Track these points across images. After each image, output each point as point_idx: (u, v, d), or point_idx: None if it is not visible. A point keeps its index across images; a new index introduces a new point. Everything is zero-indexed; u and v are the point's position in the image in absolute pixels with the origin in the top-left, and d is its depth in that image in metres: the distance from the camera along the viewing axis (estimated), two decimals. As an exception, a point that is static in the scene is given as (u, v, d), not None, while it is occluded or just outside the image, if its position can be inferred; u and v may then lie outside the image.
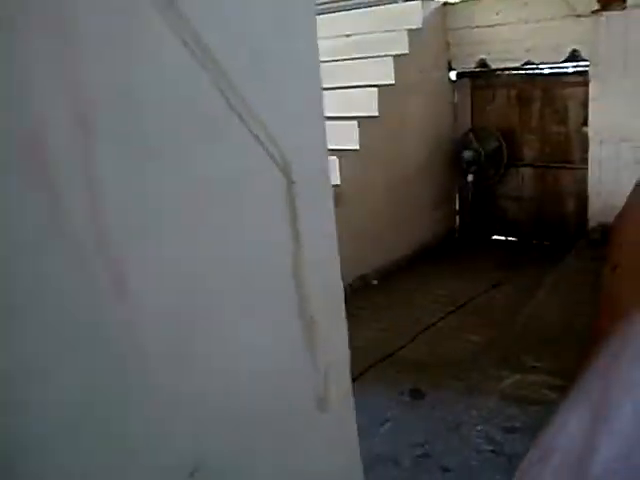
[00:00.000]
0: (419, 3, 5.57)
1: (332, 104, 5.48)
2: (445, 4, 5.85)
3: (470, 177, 5.98)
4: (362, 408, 3.47)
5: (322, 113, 0.98)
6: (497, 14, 5.55)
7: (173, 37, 0.69)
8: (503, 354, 3.85)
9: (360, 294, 5.07)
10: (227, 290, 0.81)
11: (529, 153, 5.85)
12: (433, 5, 5.75)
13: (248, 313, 0.84)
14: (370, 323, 4.57)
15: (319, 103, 0.96)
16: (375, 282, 5.31)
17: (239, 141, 0.78)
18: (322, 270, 1.00)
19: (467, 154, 5.86)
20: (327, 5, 6.28)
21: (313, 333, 0.92)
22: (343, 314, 1.08)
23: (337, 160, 5.05)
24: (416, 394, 3.54)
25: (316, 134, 0.95)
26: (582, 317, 4.11)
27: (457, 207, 6.27)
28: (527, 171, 5.88)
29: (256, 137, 0.80)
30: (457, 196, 6.25)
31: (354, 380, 3.54)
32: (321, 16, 6.23)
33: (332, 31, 6.00)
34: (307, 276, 0.92)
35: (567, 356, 3.71)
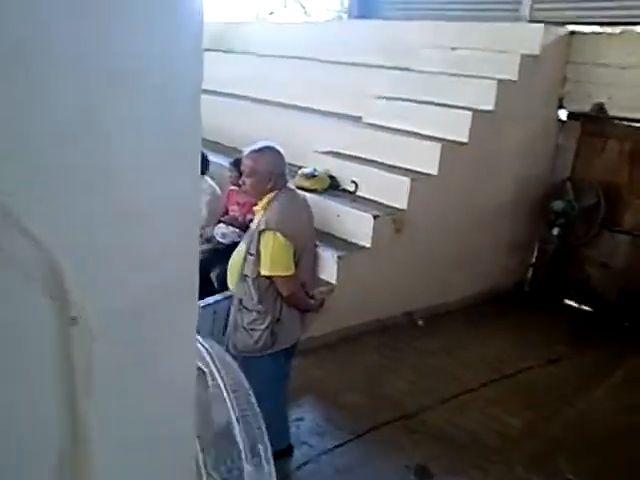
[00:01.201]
0: (541, 27, 4.93)
1: (416, 119, 4.98)
2: (572, 33, 5.17)
3: (556, 230, 5.29)
4: (356, 473, 3.02)
5: (194, 187, 0.55)
6: (630, 55, 4.82)
7: None
8: (539, 452, 3.27)
9: (401, 333, 4.57)
10: None
11: (631, 219, 5.09)
12: (558, 32, 5.08)
13: None
14: (402, 369, 4.08)
15: (176, 159, 0.53)
16: (421, 323, 4.79)
17: None
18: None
19: (558, 205, 5.19)
20: (430, 12, 5.74)
21: None
22: None
23: (408, 182, 4.56)
24: (424, 474, 3.04)
25: (155, 220, 0.53)
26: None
27: (533, 259, 5.60)
28: (623, 238, 5.12)
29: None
30: (536, 248, 5.58)
31: (360, 435, 3.06)
32: (424, 22, 5.71)
33: (435, 40, 5.47)
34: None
35: (614, 477, 3.09)
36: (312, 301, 2.91)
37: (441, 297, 4.91)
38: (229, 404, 1.34)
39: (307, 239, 2.82)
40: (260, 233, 2.65)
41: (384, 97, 5.43)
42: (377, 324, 4.52)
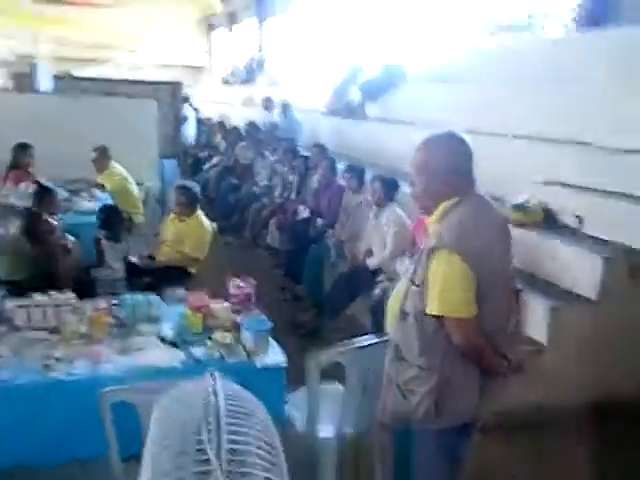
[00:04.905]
0: None
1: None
2: None
3: None
4: None
5: None
6: None
7: None
8: None
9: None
10: None
11: None
12: None
13: None
14: None
15: None
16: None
17: None
18: None
19: None
20: None
21: None
22: None
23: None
24: None
25: None
26: None
27: None
28: None
29: None
30: None
31: None
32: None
33: None
34: None
35: None
36: (504, 362, 1.99)
37: None
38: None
39: (499, 269, 1.95)
40: (430, 253, 1.86)
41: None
42: (600, 405, 3.32)
